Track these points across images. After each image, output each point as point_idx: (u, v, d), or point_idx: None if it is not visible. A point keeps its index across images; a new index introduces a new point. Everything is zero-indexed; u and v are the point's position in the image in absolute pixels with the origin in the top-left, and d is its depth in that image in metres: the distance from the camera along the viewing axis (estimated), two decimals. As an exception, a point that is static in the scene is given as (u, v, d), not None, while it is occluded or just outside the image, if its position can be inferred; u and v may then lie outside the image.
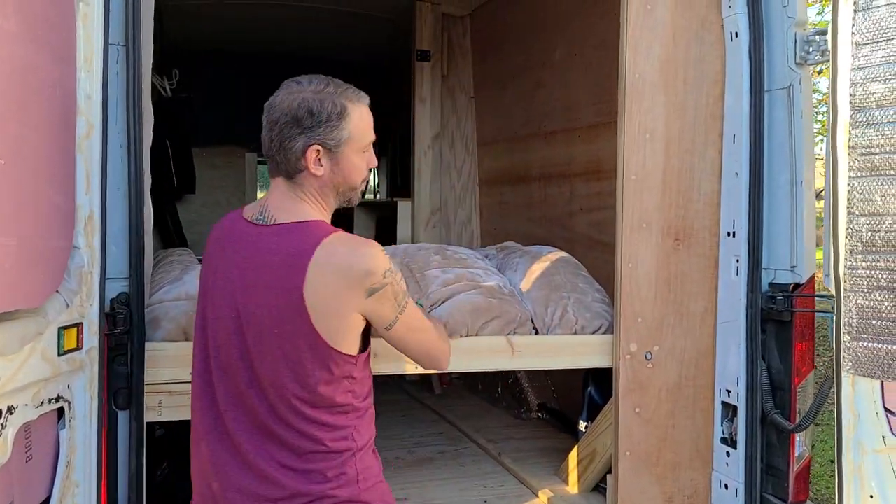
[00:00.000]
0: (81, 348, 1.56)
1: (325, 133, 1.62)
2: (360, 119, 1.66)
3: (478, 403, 4.18)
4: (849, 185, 1.95)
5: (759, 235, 2.42)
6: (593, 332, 2.62)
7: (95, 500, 1.61)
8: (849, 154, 1.95)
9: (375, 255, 1.60)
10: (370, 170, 1.74)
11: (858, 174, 1.94)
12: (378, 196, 7.98)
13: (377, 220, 5.98)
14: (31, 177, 1.34)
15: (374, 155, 1.72)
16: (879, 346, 1.89)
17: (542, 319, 2.59)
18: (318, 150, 1.62)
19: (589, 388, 2.95)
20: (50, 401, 1.45)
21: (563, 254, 2.93)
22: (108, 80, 1.83)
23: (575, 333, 2.59)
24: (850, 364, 1.96)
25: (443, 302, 2.47)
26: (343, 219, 6.31)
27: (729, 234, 2.54)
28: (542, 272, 2.79)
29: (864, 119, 1.93)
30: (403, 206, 4.97)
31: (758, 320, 2.41)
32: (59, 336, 1.46)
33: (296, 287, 1.55)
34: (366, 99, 1.71)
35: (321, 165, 1.64)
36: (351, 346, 1.62)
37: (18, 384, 1.30)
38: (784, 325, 2.38)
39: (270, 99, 1.65)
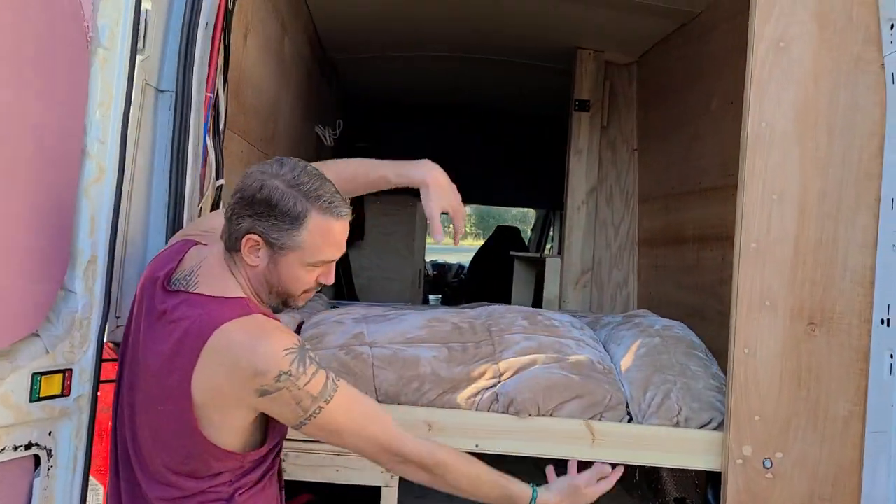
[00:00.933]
0: (68, 395, 1.52)
1: (272, 230, 1.44)
2: (319, 233, 1.46)
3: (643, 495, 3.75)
4: None
5: (920, 326, 1.90)
6: (700, 427, 2.20)
7: (73, 558, 1.55)
8: None
9: (271, 356, 1.40)
10: (320, 284, 1.54)
11: None
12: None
13: (536, 275, 5.75)
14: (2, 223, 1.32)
15: (331, 273, 1.52)
16: None
17: (639, 404, 2.22)
18: (259, 242, 1.46)
19: (708, 492, 2.49)
20: (16, 448, 1.41)
21: (681, 329, 2.53)
22: (156, 125, 1.84)
23: (676, 425, 2.19)
24: None
25: (514, 374, 2.20)
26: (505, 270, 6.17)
27: (883, 321, 2.03)
28: (649, 349, 2.41)
29: None
30: (552, 263, 4.69)
31: (912, 436, 1.88)
32: (34, 381, 1.43)
33: (186, 370, 1.42)
34: (342, 214, 1.49)
35: (258, 258, 1.48)
36: (235, 442, 1.48)
37: (-37, 430, 1.27)
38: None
39: (253, 166, 1.52)
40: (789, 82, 2.09)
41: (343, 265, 6.58)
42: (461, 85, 5.59)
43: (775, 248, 2.10)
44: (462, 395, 2.16)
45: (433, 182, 1.86)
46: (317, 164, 1.63)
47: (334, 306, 3.05)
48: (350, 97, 6.02)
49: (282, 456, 1.72)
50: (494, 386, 2.18)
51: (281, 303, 1.55)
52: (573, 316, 2.86)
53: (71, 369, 1.52)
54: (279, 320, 1.54)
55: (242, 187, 1.46)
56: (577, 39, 4.51)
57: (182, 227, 1.89)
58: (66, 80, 1.46)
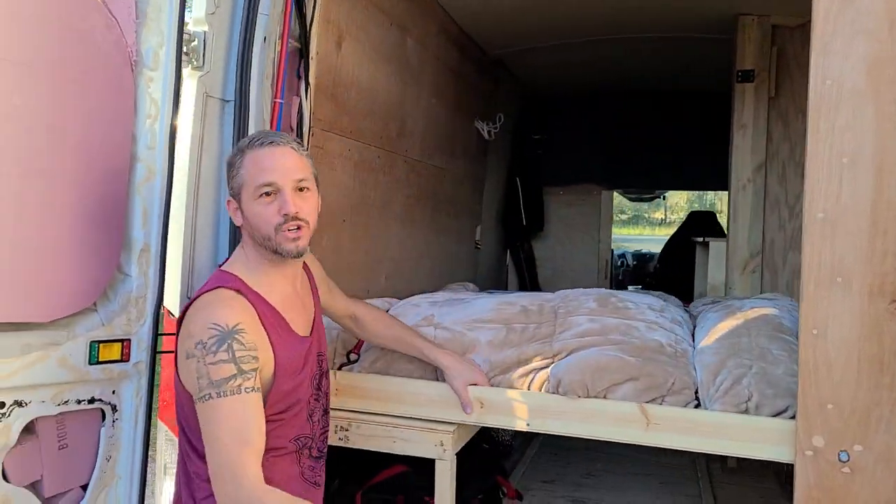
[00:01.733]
0: (128, 361, 1.83)
1: (232, 183, 1.68)
2: (251, 163, 1.62)
3: (769, 487, 3.49)
4: None
5: None
6: (775, 415, 2.03)
7: (137, 494, 1.86)
8: None
9: (199, 323, 1.54)
10: (288, 216, 1.61)
11: None
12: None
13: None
14: (56, 218, 1.64)
15: (288, 202, 1.60)
16: None
17: (707, 389, 2.10)
18: (230, 202, 1.70)
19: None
20: (80, 401, 1.74)
21: (771, 310, 2.32)
22: (222, 132, 2.13)
23: (745, 412, 2.04)
24: None
25: (567, 355, 2.18)
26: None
27: (983, 297, 1.74)
28: (729, 331, 2.26)
29: None
30: (716, 248, 4.42)
31: None
32: (92, 348, 1.74)
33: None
34: (266, 143, 1.64)
35: (239, 217, 1.69)
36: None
37: (24, 383, 1.60)
38: None
39: None
40: (858, 33, 1.86)
41: (526, 256, 6.69)
42: (626, 68, 5.44)
43: (847, 216, 1.87)
44: (515, 375, 2.20)
45: (451, 363, 2.16)
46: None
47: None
48: (525, 90, 6.10)
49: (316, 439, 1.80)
50: (547, 367, 2.19)
51: (271, 251, 1.64)
52: (658, 297, 2.74)
53: (129, 339, 1.83)
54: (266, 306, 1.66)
55: None
56: (737, 5, 4.21)
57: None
58: (112, 99, 1.76)
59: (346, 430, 2.27)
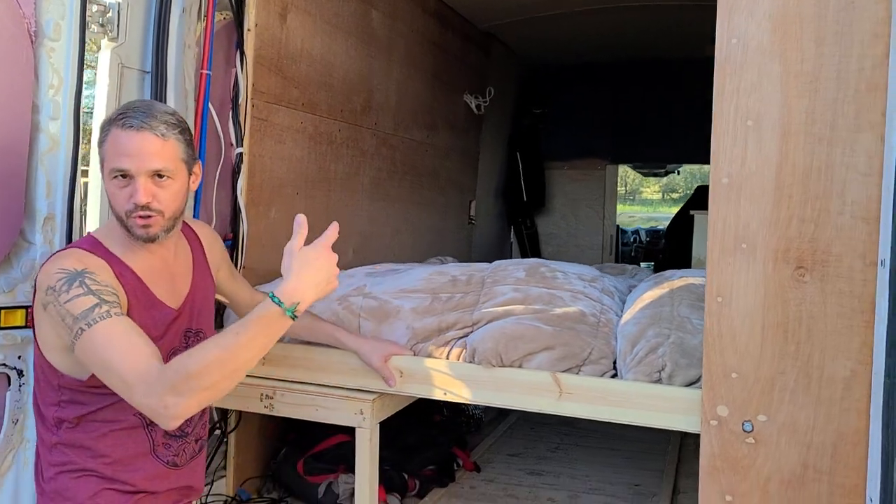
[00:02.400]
0: (32, 327, 1.87)
1: (99, 152, 1.60)
2: (111, 143, 1.56)
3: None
4: None
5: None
6: (688, 385, 2.00)
7: (45, 457, 1.91)
8: None
9: (46, 273, 1.52)
10: (137, 206, 1.55)
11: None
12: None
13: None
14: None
15: (139, 192, 1.54)
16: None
17: (624, 359, 2.08)
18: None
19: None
20: (-17, 366, 1.80)
21: (699, 279, 2.27)
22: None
23: (658, 381, 2.01)
24: None
25: (485, 324, 2.17)
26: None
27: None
28: (653, 301, 2.22)
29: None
30: (701, 221, 4.34)
31: None
32: (-7, 314, 1.80)
33: None
34: (127, 125, 1.54)
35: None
36: (55, 358, 1.57)
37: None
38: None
39: None
40: (763, -14, 1.79)
41: (529, 232, 6.64)
42: (628, 37, 5.32)
43: (752, 181, 1.82)
44: (434, 345, 2.20)
45: (363, 344, 2.21)
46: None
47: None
48: (522, 63, 6.03)
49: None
50: (466, 336, 2.19)
51: (126, 228, 1.59)
52: (598, 268, 2.71)
53: (32, 306, 1.87)
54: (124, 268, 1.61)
55: None
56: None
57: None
58: (8, 70, 1.79)
59: (272, 398, 2.30)
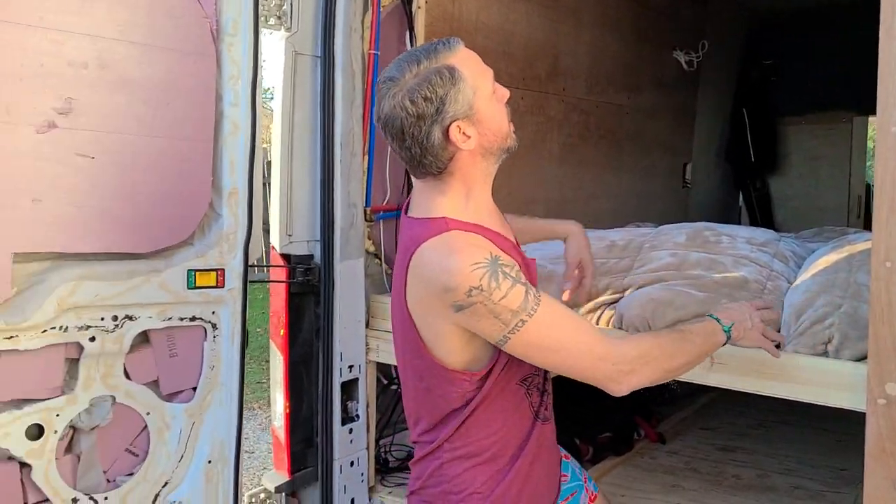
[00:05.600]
0: (222, 287, 2.17)
1: (452, 104, 1.45)
2: (467, 67, 1.47)
3: None
4: None
5: None
6: (859, 360, 1.80)
7: (236, 399, 2.21)
8: None
9: (456, 272, 1.41)
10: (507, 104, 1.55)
11: None
12: None
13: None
14: (155, 166, 2.02)
15: (500, 86, 1.53)
16: None
17: (788, 329, 1.92)
18: (458, 124, 1.47)
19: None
20: (182, 319, 2.11)
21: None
22: (315, 85, 2.38)
23: (823, 354, 1.83)
24: None
25: (636, 290, 2.11)
26: None
27: None
28: (828, 267, 2.01)
29: None
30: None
31: None
32: (189, 275, 2.10)
33: (402, 290, 1.53)
34: (457, 43, 1.50)
35: (468, 137, 1.48)
36: (457, 360, 1.52)
37: (131, 301, 2.00)
38: None
39: (377, 114, 1.54)
40: None
41: (759, 195, 6.16)
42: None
43: (929, 128, 1.58)
44: (583, 311, 2.18)
45: (578, 230, 2.02)
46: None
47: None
48: (748, 12, 5.56)
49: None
50: (615, 302, 2.14)
51: (506, 151, 1.56)
52: (814, 232, 2.46)
53: (223, 269, 2.17)
54: (490, 232, 1.54)
55: (399, 125, 1.48)
56: None
57: (334, 161, 2.39)
58: (197, 63, 2.08)
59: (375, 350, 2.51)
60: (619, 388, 1.49)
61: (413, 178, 1.61)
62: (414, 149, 1.49)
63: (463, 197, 1.55)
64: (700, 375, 1.97)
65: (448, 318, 1.46)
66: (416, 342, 1.54)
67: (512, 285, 1.41)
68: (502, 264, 1.43)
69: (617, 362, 1.46)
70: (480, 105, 1.47)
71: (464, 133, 1.47)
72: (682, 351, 1.56)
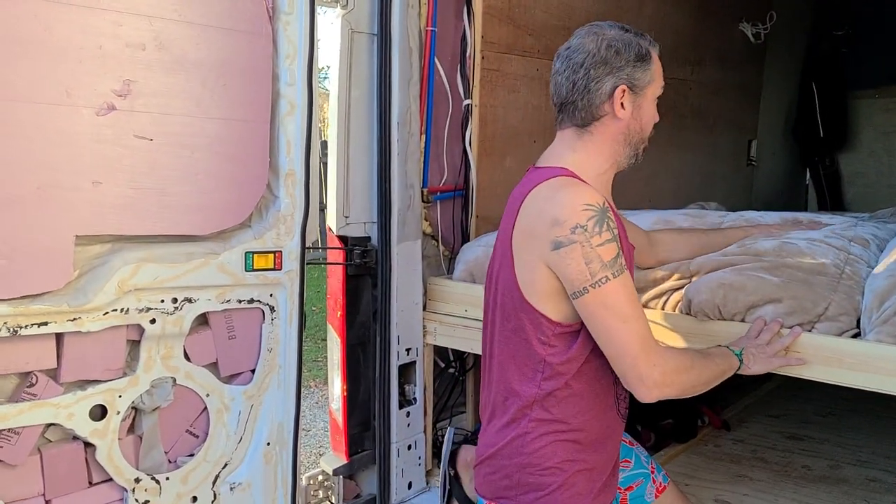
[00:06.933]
0: (280, 269, 2.15)
1: (633, 73, 1.56)
2: (658, 65, 1.62)
3: None
4: None
5: None
6: (946, 351, 1.69)
7: (294, 381, 2.20)
8: None
9: (569, 205, 1.45)
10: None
11: None
12: None
13: None
14: (213, 149, 2.01)
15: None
16: None
17: (870, 316, 1.81)
18: (625, 90, 1.56)
19: None
20: (240, 301, 2.10)
21: None
22: (371, 62, 2.34)
23: (909, 345, 1.72)
24: None
25: (705, 274, 2.01)
26: None
27: None
28: (914, 251, 1.88)
29: None
30: None
31: None
32: (247, 257, 2.09)
33: (509, 231, 1.57)
34: (658, 48, 1.64)
35: (624, 108, 1.57)
36: (547, 306, 1.53)
37: (190, 283, 2.00)
38: None
39: (566, 43, 1.62)
40: None
41: (828, 173, 5.91)
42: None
43: None
44: (649, 295, 2.10)
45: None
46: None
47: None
48: None
49: None
50: (682, 287, 2.06)
51: (633, 157, 1.65)
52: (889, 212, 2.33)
53: (281, 251, 2.15)
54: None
55: (584, 57, 1.56)
56: None
57: (391, 141, 2.35)
58: (253, 44, 2.05)
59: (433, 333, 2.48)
60: (649, 393, 1.49)
61: (556, 126, 1.66)
62: (579, 83, 1.57)
63: (591, 164, 1.61)
64: (774, 364, 1.88)
65: (542, 257, 1.49)
66: (512, 281, 1.57)
67: (612, 238, 1.46)
68: (609, 217, 1.47)
69: (657, 364, 1.48)
70: (648, 94, 1.61)
71: (623, 102, 1.57)
72: (708, 369, 1.61)
